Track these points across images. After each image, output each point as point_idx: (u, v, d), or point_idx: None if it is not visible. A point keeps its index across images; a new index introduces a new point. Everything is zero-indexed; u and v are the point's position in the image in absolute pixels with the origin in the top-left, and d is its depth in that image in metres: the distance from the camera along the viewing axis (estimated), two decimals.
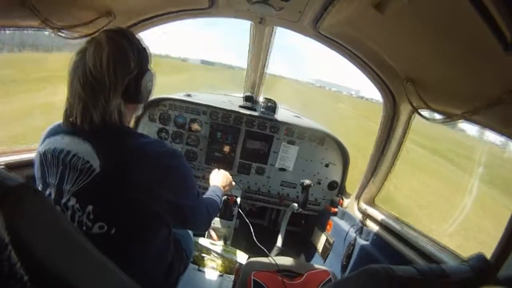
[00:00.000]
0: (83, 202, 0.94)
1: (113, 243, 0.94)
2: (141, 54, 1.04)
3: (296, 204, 2.30)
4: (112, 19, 1.63)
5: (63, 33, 1.48)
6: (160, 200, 0.99)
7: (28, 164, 1.56)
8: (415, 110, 1.70)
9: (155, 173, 0.97)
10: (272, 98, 2.67)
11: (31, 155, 1.63)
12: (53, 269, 0.72)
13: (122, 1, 1.61)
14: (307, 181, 2.18)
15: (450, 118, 1.37)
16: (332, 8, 1.37)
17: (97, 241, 0.85)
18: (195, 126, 2.66)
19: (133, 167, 0.94)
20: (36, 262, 0.67)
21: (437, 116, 1.47)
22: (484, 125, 1.29)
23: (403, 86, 1.67)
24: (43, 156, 1.01)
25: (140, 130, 2.63)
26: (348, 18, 1.45)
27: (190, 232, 1.72)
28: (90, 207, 0.94)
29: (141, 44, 1.05)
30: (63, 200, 0.96)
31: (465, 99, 1.34)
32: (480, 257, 0.86)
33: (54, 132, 1.03)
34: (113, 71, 0.95)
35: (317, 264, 1.97)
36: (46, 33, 1.49)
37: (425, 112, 1.61)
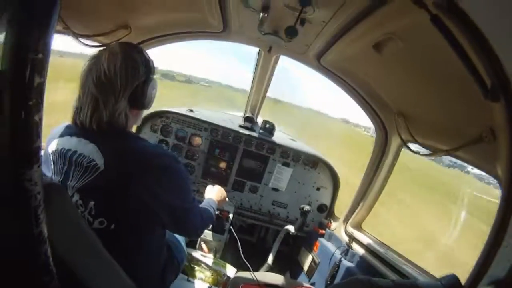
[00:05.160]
0: (86, 198, 1.02)
1: (111, 238, 0.99)
2: (148, 65, 1.15)
3: (292, 227, 2.36)
4: (128, 32, 1.72)
5: (82, 40, 1.55)
6: (157, 198, 1.06)
7: None
8: (403, 143, 1.84)
9: (154, 173, 1.05)
10: (270, 121, 2.79)
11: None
12: (70, 265, 0.77)
13: (139, 17, 1.71)
14: (307, 207, 2.26)
15: (435, 153, 1.50)
16: (336, 45, 1.53)
17: (97, 236, 0.92)
18: (196, 141, 2.72)
19: (134, 165, 1.02)
20: (57, 257, 0.70)
21: (423, 151, 1.59)
22: (466, 160, 1.41)
23: (394, 120, 1.82)
24: (50, 155, 1.09)
25: None
26: (349, 55, 1.60)
27: (182, 242, 1.76)
28: (92, 203, 1.01)
29: (148, 57, 1.17)
30: None
31: (449, 135, 1.46)
32: (452, 277, 0.95)
33: (61, 134, 1.11)
34: (124, 75, 1.05)
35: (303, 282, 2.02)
36: None
37: (412, 146, 1.74)
